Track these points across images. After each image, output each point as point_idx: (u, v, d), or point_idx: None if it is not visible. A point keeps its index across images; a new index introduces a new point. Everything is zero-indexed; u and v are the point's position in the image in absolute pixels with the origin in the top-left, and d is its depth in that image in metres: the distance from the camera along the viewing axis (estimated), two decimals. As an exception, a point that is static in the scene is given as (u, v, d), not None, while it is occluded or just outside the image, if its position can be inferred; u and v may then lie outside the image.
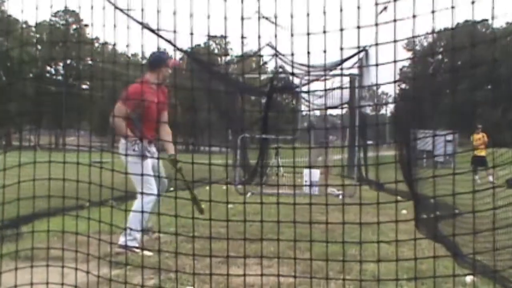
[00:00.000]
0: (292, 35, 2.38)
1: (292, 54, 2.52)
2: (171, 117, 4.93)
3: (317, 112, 12.50)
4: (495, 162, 2.46)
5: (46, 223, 3.52)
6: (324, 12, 2.30)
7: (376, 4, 2.31)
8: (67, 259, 2.82)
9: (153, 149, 4.72)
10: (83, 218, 2.83)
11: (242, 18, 2.40)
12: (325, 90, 8.17)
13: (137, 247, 4.21)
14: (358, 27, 2.26)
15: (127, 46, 2.58)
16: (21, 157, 2.90)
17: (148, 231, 4.76)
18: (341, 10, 2.26)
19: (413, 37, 2.24)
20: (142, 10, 2.52)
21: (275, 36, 2.49)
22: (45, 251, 2.86)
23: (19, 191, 2.84)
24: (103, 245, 2.81)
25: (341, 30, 2.25)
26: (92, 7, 2.58)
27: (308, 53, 2.35)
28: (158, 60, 4.69)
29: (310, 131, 10.48)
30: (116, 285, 2.93)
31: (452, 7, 2.10)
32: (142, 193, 3.61)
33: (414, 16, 2.15)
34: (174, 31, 2.49)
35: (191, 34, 2.49)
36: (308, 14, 2.29)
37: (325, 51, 2.35)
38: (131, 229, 4.14)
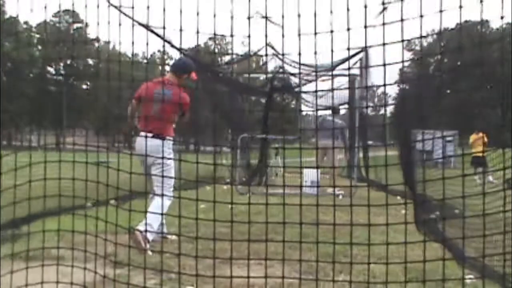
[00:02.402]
0: (299, 34, 2.38)
1: (299, 54, 2.51)
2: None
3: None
4: (495, 162, 2.47)
5: (45, 223, 3.53)
6: (331, 11, 2.29)
7: (383, 3, 2.32)
8: (67, 259, 2.83)
9: None
10: (84, 217, 2.84)
11: (249, 18, 2.41)
12: (325, 90, 8.15)
13: (148, 242, 4.27)
14: (365, 27, 2.26)
15: (132, 44, 2.59)
16: (22, 158, 2.90)
17: (167, 234, 4.82)
18: (347, 9, 2.26)
19: (421, 37, 2.24)
20: (148, 7, 2.52)
21: (282, 36, 2.48)
22: (45, 251, 2.86)
23: (16, 192, 2.84)
24: (104, 244, 2.82)
25: (348, 29, 2.25)
26: (90, 7, 2.59)
27: (315, 53, 2.35)
28: (184, 68, 4.87)
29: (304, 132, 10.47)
30: (117, 284, 2.93)
31: (460, 7, 2.10)
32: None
33: (421, 16, 2.15)
34: (181, 30, 2.49)
35: (197, 33, 2.50)
36: (315, 14, 2.30)
37: (332, 50, 2.35)
38: (145, 230, 4.21)
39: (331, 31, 2.26)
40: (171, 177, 4.56)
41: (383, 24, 2.19)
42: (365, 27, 2.28)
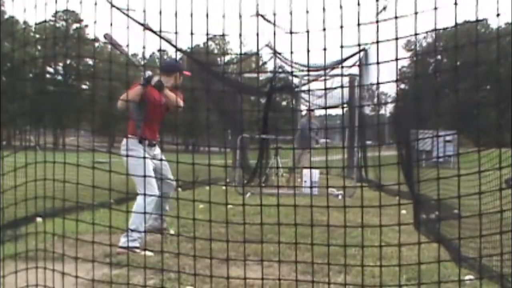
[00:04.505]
0: (307, 32, 2.35)
1: (308, 51, 2.48)
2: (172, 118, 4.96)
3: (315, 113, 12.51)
4: (494, 162, 2.47)
5: (46, 224, 3.51)
6: (341, 6, 2.28)
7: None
8: (67, 259, 2.83)
9: (156, 150, 4.75)
10: (84, 218, 2.84)
11: (258, 14, 2.41)
12: (325, 89, 8.17)
13: (137, 247, 4.22)
14: (377, 21, 2.26)
15: (127, 46, 2.59)
16: (21, 158, 2.91)
17: (164, 230, 4.77)
18: (359, 5, 2.25)
19: (437, 29, 2.24)
20: (160, 12, 2.51)
21: (290, 33, 2.45)
22: (45, 252, 2.86)
23: (17, 192, 2.84)
24: (103, 245, 2.81)
25: (360, 25, 2.24)
26: (91, 8, 2.59)
27: (325, 50, 2.32)
28: (173, 66, 4.85)
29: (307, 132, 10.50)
30: (117, 285, 2.94)
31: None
32: (144, 194, 3.62)
33: (435, 8, 2.15)
34: (192, 33, 2.49)
35: (207, 34, 2.50)
36: (324, 10, 2.29)
37: (342, 46, 2.33)
38: (132, 230, 4.17)
39: (341, 27, 2.26)
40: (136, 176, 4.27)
41: (395, 17, 2.19)
42: (377, 21, 2.28)
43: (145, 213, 3.91)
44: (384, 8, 2.63)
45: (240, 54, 7.22)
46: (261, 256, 2.66)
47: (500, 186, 2.41)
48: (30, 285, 2.74)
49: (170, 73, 4.74)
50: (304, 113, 12.02)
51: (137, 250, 4.15)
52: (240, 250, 3.93)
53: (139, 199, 4.23)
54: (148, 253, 4.05)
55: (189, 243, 4.10)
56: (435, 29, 2.30)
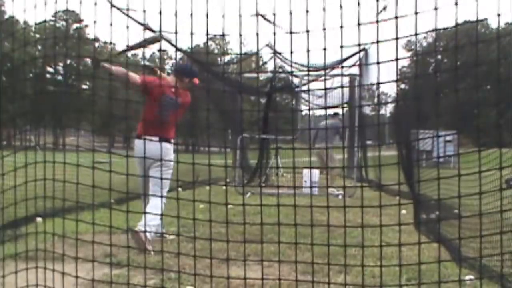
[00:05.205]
0: (307, 32, 2.35)
1: (308, 51, 2.48)
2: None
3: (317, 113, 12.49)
4: (494, 162, 2.46)
5: (46, 224, 3.50)
6: (341, 6, 2.28)
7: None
8: (67, 259, 2.83)
9: None
10: (84, 218, 2.84)
11: (258, 14, 2.41)
12: (325, 89, 8.18)
13: (149, 241, 4.32)
14: (377, 21, 2.26)
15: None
16: (21, 158, 2.90)
17: (165, 234, 4.88)
18: (360, 5, 2.25)
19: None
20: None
21: (290, 33, 2.45)
22: (45, 252, 2.86)
23: (17, 192, 2.84)
24: (103, 245, 2.81)
25: (360, 24, 2.24)
26: (91, 7, 2.59)
27: (325, 50, 2.32)
28: (189, 71, 4.98)
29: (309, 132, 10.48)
30: (116, 285, 2.93)
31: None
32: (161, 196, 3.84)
33: (436, 8, 2.15)
34: (192, 33, 2.49)
35: (207, 34, 2.51)
36: (324, 10, 2.28)
37: (342, 46, 2.33)
38: (138, 231, 4.28)
39: (341, 27, 2.26)
40: (169, 179, 4.58)
41: (396, 17, 2.19)
42: (377, 21, 2.28)
43: (145, 213, 3.98)
44: (384, 8, 2.63)
45: (240, 54, 7.21)
46: (261, 256, 2.66)
47: (500, 186, 2.41)
48: (30, 285, 2.74)
49: (184, 78, 4.87)
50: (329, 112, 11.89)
51: (150, 246, 4.29)
52: (240, 250, 3.92)
53: (156, 200, 4.37)
54: (151, 252, 4.08)
55: (189, 243, 4.10)
56: (435, 29, 2.30)
